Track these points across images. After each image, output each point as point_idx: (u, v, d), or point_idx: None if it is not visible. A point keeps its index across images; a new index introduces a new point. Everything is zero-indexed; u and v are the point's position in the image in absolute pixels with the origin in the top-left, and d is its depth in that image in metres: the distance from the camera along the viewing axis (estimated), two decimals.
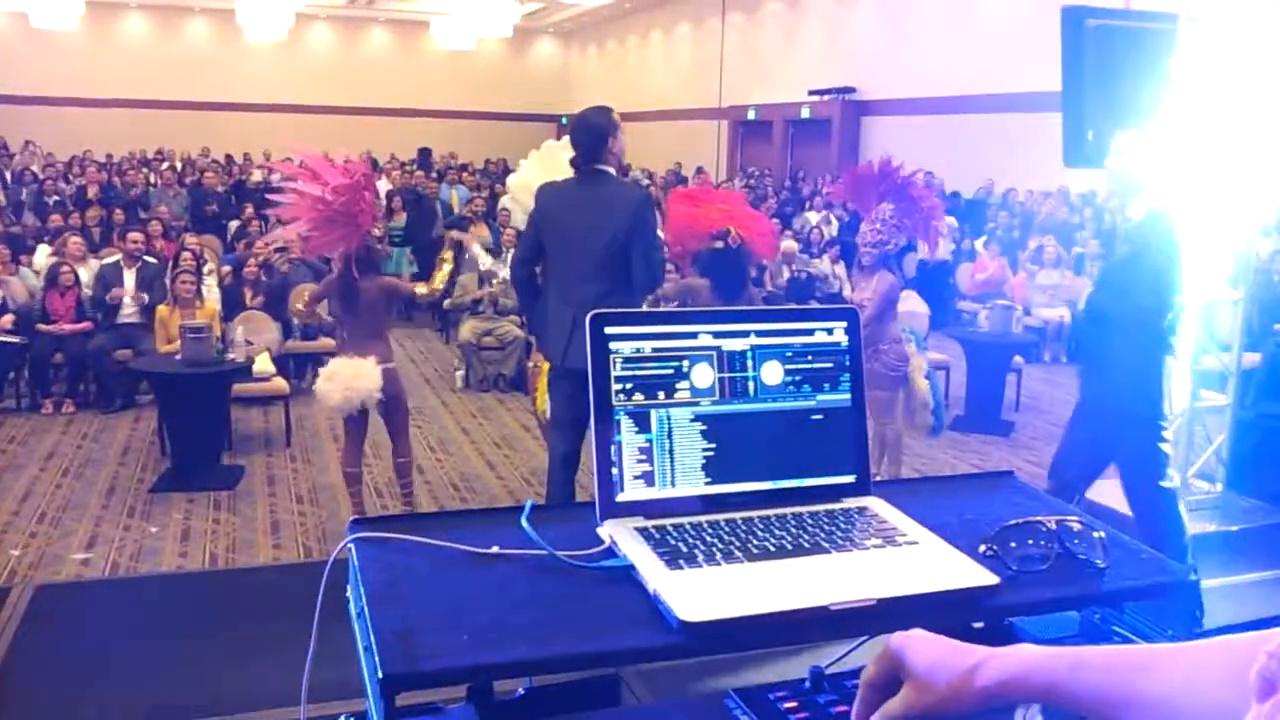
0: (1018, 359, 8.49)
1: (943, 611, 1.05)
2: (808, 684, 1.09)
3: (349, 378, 5.10)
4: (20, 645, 3.90)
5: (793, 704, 1.06)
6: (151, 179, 15.42)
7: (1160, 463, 4.29)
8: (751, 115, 21.14)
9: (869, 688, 0.96)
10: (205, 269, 8.80)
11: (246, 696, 3.36)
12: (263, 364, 7.16)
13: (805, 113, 19.06)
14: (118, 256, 8.28)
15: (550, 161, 5.92)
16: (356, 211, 4.88)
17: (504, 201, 7.35)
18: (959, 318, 11.08)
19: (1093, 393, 4.57)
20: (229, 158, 19.20)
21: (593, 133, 4.34)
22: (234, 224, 11.80)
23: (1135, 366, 4.23)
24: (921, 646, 0.91)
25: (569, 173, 4.53)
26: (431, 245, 12.02)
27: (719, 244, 5.73)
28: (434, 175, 16.04)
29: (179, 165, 17.46)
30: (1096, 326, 4.61)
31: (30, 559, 4.95)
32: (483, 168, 19.39)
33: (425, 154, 19.15)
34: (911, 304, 9.03)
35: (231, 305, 8.11)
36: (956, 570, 1.12)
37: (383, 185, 14.73)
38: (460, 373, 8.70)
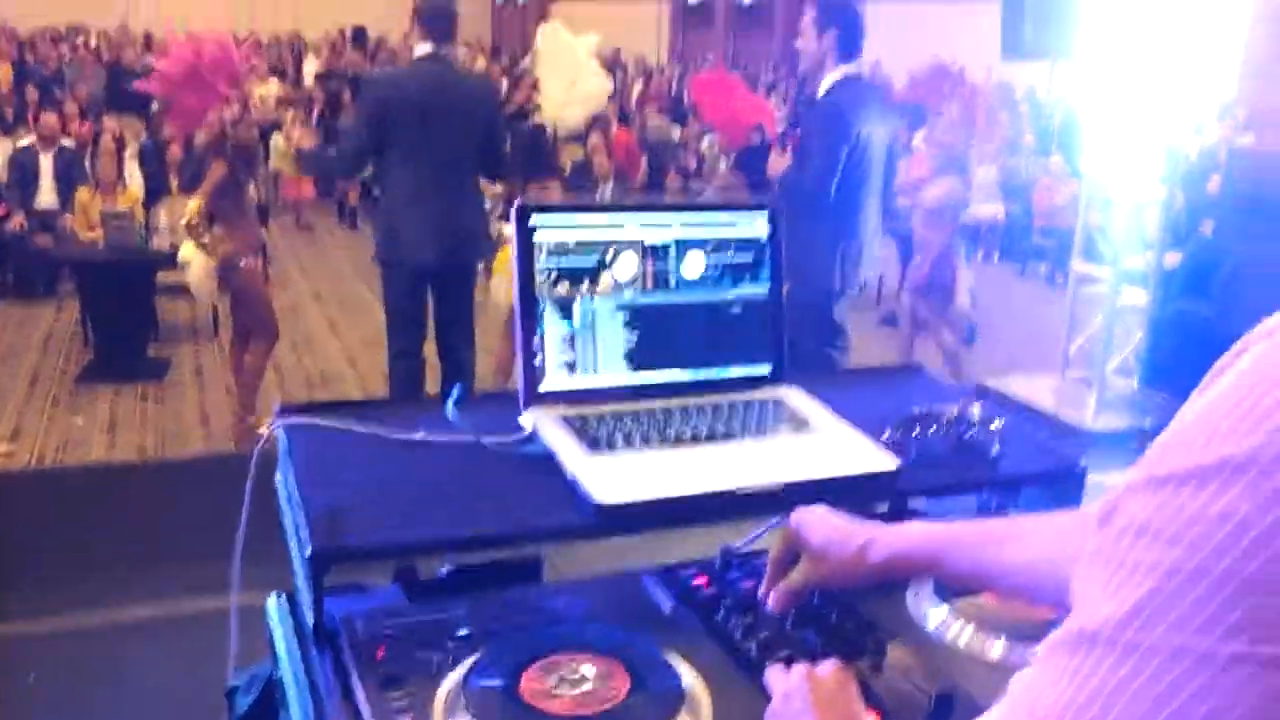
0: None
1: (845, 495, 1.11)
2: (719, 563, 1.15)
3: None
4: None
5: (703, 581, 1.12)
6: (63, 56, 14.70)
7: (828, 334, 4.28)
8: None
9: (774, 564, 1.03)
10: (126, 152, 8.50)
11: (179, 584, 3.39)
12: (188, 252, 7.00)
13: None
14: (32, 139, 7.95)
15: (557, 48, 5.72)
16: (197, 95, 4.68)
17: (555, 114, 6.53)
18: (896, 214, 11.17)
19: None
20: (149, 36, 18.34)
21: (446, 14, 4.18)
22: (155, 105, 11.32)
23: (804, 241, 4.22)
24: (818, 523, 0.98)
25: (578, 56, 4.42)
26: None
27: (755, 138, 5.67)
28: (368, 56, 15.51)
29: (94, 42, 16.65)
30: (785, 202, 4.66)
31: None
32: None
33: (360, 33, 18.40)
34: None
35: (155, 190, 7.87)
36: (860, 456, 1.18)
37: (309, 66, 14.24)
38: None
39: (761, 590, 1.04)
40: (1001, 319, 7.46)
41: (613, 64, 17.88)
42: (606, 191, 7.75)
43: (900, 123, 4.26)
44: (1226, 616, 0.42)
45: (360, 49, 16.58)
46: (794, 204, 4.35)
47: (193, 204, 4.87)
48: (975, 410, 1.26)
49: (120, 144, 8.27)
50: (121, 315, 6.21)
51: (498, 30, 23.78)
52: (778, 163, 4.38)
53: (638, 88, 15.35)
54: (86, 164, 7.88)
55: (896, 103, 4.26)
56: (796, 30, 4.29)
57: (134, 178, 8.03)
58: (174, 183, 7.92)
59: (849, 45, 4.03)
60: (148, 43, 17.22)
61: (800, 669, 0.87)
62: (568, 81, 5.57)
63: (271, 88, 12.37)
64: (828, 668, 0.87)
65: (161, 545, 3.75)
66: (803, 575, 0.99)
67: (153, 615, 3.34)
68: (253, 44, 4.96)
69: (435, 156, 4.16)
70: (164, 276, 6.60)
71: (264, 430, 3.94)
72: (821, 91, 4.18)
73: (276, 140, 10.43)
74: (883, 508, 1.30)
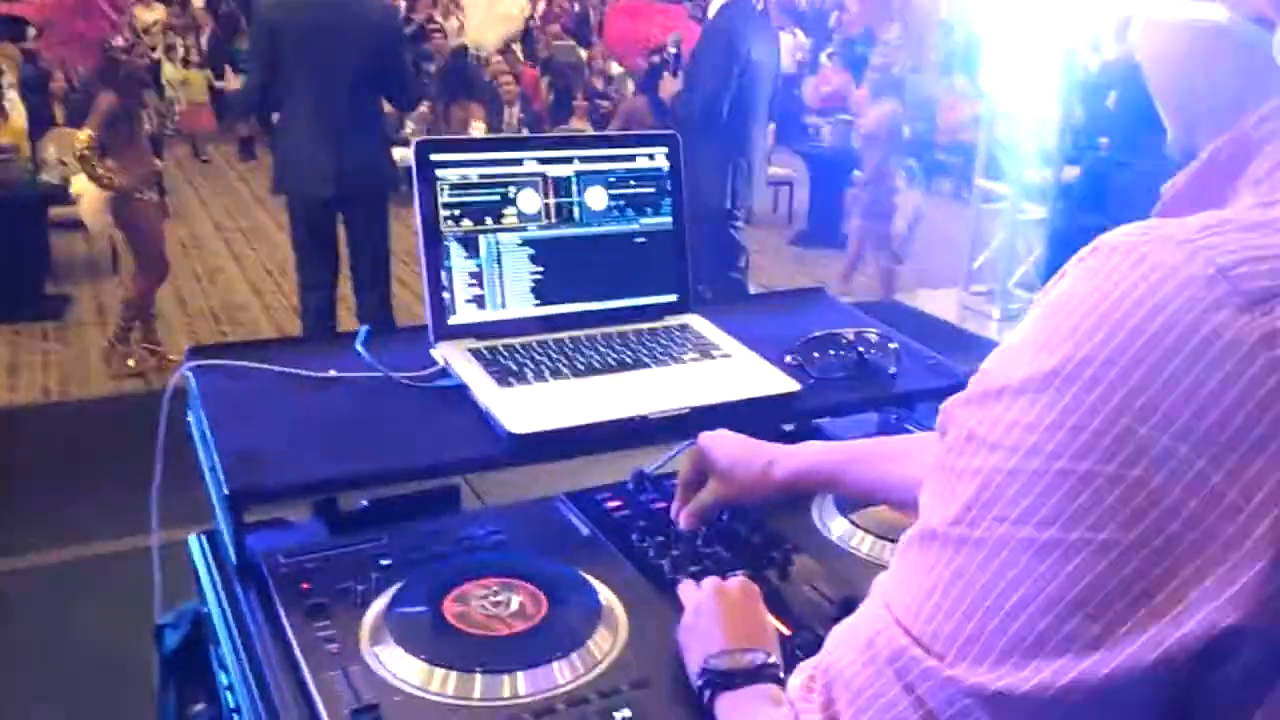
0: (857, 173, 8.71)
1: (750, 416, 1.16)
2: (631, 485, 1.20)
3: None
4: None
5: (617, 503, 1.16)
6: None
7: (730, 255, 4.39)
8: None
9: (683, 485, 1.08)
10: (4, 82, 8.08)
11: (95, 528, 3.36)
12: (80, 185, 6.73)
13: None
14: None
15: None
16: (85, 22, 4.50)
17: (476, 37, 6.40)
18: (805, 132, 11.21)
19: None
20: None
21: None
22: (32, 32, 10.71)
23: (695, 162, 4.32)
24: (724, 445, 1.03)
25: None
26: None
27: (655, 58, 5.68)
28: None
29: None
30: (677, 126, 4.73)
31: None
32: None
33: None
34: None
35: (39, 122, 7.52)
36: (763, 379, 1.23)
37: None
38: None
39: (673, 509, 1.09)
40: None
41: None
42: (513, 115, 7.64)
43: (796, 44, 4.34)
44: (1040, 508, 0.47)
45: None
46: (685, 126, 4.43)
47: (83, 135, 4.68)
48: (872, 333, 1.31)
49: None
50: (13, 253, 5.98)
51: None
52: (669, 85, 4.41)
53: (541, 6, 15.02)
54: None
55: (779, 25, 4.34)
56: None
57: (15, 109, 7.65)
58: (59, 114, 7.59)
59: None
60: None
61: (709, 582, 0.92)
62: (487, 3, 5.48)
63: (156, 13, 11.82)
64: (735, 581, 0.93)
65: (76, 488, 3.69)
66: (711, 494, 1.05)
67: (73, 558, 3.30)
68: None
69: (329, 83, 4.06)
70: (57, 212, 6.36)
71: (133, 362, 3.90)
72: (711, 13, 4.24)
73: (168, 69, 10.00)
74: (790, 427, 1.36)
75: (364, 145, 4.18)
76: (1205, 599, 0.45)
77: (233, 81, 10.13)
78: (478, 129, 6.03)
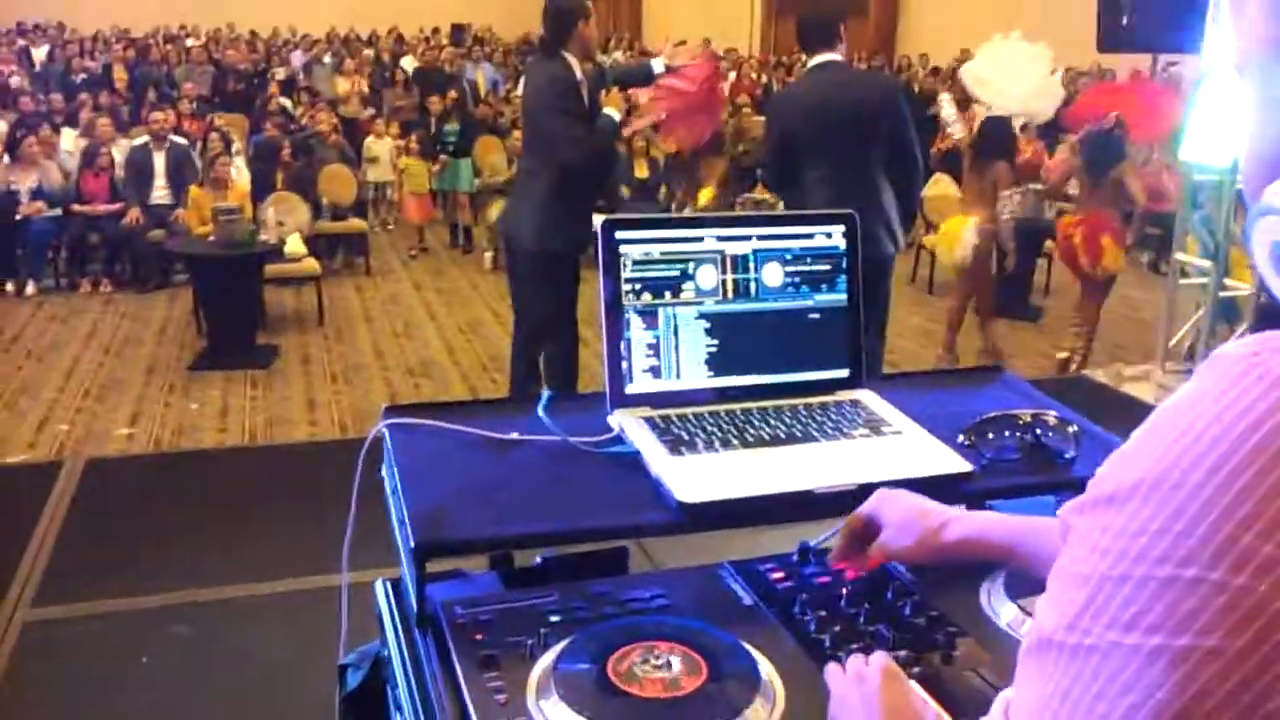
0: (1049, 244, 8.44)
1: (919, 495, 1.15)
2: (795, 557, 1.21)
3: None
4: (74, 515, 4.13)
5: (780, 575, 1.17)
6: (177, 56, 15.23)
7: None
8: None
9: (847, 532, 1.11)
10: (233, 149, 8.83)
11: (289, 564, 3.57)
12: (294, 245, 7.27)
13: None
14: (147, 137, 8.32)
15: (995, 57, 6.41)
16: (712, 103, 5.12)
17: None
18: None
19: None
20: (254, 34, 18.88)
21: (559, 17, 4.32)
22: (271, 99, 11.32)
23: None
24: (900, 500, 1.06)
25: (1016, 69, 5.12)
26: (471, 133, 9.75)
27: (1098, 125, 6.28)
28: (465, 52, 15.70)
29: (200, 39, 17.19)
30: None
31: (78, 434, 5.17)
32: (515, 46, 18.45)
33: (459, 30, 18.44)
34: (942, 187, 8.99)
35: (261, 186, 8.18)
36: (934, 458, 1.22)
37: (408, 63, 14.48)
38: (490, 254, 8.75)
39: (832, 554, 1.12)
40: (1106, 309, 7.29)
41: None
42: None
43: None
44: (1147, 614, 0.47)
45: (458, 46, 16.71)
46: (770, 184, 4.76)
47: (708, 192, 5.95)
48: (1050, 415, 1.28)
49: (228, 141, 8.60)
50: (231, 306, 6.50)
51: None
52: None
53: (731, 78, 15.28)
54: (197, 161, 8.23)
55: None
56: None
57: (241, 174, 8.34)
58: (280, 179, 8.22)
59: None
60: (254, 43, 17.73)
61: (852, 667, 0.91)
62: (1037, 89, 6.28)
63: (349, 82, 12.42)
64: (875, 666, 0.89)
65: (274, 525, 3.95)
66: (881, 548, 1.07)
67: (267, 593, 3.52)
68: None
69: (528, 145, 4.64)
70: (272, 269, 6.90)
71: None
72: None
73: (375, 148, 9.98)
74: (962, 508, 1.34)
75: (544, 204, 4.41)
76: None
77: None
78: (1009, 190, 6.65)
